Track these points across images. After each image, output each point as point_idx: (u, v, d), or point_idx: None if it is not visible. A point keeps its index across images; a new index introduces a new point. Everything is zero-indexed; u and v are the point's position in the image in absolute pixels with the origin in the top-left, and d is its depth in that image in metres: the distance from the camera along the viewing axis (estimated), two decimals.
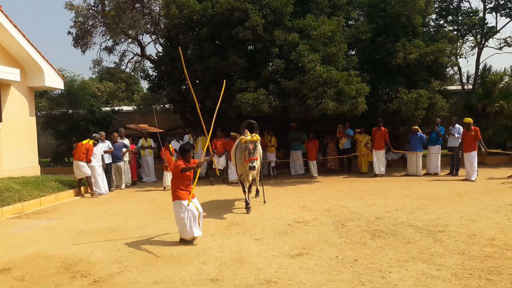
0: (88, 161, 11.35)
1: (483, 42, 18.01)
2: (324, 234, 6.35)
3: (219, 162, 13.18)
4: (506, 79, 16.04)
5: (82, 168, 11.27)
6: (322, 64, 12.05)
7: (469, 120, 12.00)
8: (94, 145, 11.64)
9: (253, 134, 8.24)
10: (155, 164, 14.60)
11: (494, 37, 18.03)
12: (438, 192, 9.72)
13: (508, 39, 17.78)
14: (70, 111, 20.88)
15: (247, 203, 8.40)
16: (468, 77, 18.89)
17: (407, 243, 5.70)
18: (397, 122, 13.95)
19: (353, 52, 15.30)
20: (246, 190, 8.63)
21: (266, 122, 14.09)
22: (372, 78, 13.90)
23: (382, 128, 13.17)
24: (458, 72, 19.05)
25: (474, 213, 7.34)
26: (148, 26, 19.20)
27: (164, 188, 12.03)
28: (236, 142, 8.93)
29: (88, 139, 11.82)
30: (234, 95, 12.66)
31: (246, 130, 8.51)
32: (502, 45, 18.12)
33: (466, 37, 18.32)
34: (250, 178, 8.72)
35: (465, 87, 18.60)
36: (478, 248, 5.31)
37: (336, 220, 7.22)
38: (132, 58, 22.23)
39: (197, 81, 15.10)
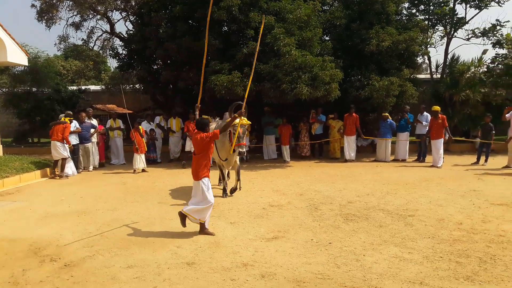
0: (66, 141, 11.01)
1: (452, 33, 18.41)
2: (299, 218, 6.41)
3: (191, 146, 13.02)
4: (473, 69, 16.51)
5: (59, 149, 10.89)
6: (297, 49, 12.01)
7: (437, 108, 12.32)
8: (70, 122, 11.30)
9: (242, 118, 7.43)
10: (124, 146, 14.27)
11: (462, 28, 18.48)
12: (406, 178, 9.98)
13: (476, 31, 18.25)
14: (34, 89, 20.02)
15: (224, 190, 8.25)
16: (437, 66, 19.36)
17: (379, 227, 5.83)
18: (368, 109, 14.17)
19: (328, 38, 15.31)
20: (226, 176, 8.45)
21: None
22: (346, 64, 14.00)
23: (354, 114, 13.34)
24: (427, 61, 19.47)
25: (442, 198, 7.59)
26: (118, 2, 18.53)
27: (134, 171, 11.79)
28: (215, 125, 8.37)
29: (64, 117, 11.40)
30: (207, 77, 12.46)
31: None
32: (470, 36, 18.59)
33: (436, 27, 18.67)
34: (232, 164, 8.34)
35: (434, 76, 19.05)
36: (447, 232, 5.49)
37: (309, 204, 7.30)
38: (101, 35, 21.50)
39: (168, 61, 14.79)
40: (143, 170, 11.99)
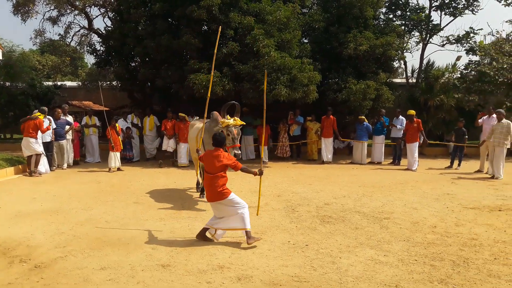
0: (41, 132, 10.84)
1: (427, 39, 18.84)
2: (276, 219, 6.41)
3: (169, 145, 12.88)
4: (447, 75, 16.92)
5: (33, 145, 10.59)
6: (276, 50, 12.05)
7: (412, 112, 12.57)
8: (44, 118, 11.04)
9: (234, 118, 7.09)
10: (99, 144, 14.00)
11: (438, 34, 18.94)
12: (382, 180, 10.12)
13: (450, 37, 18.75)
14: (8, 83, 19.41)
15: (203, 190, 7.96)
16: (412, 71, 19.74)
17: (355, 229, 5.88)
18: (345, 112, 14.33)
19: (306, 40, 15.42)
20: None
21: (218, 105, 13.88)
22: (324, 67, 14.12)
23: (331, 116, 13.46)
24: (403, 65, 19.84)
25: (416, 201, 7.72)
26: None
27: (109, 169, 11.57)
28: (202, 125, 7.68)
29: (38, 113, 11.08)
30: (186, 76, 12.35)
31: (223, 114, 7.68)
32: (444, 42, 19.09)
33: (412, 33, 19.08)
34: None
35: (410, 80, 19.42)
36: (421, 235, 5.59)
37: (287, 206, 7.31)
38: (79, 31, 21.11)
39: (147, 59, 14.60)
40: (119, 169, 11.79)
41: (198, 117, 13.41)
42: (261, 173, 5.75)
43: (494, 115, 11.55)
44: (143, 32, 13.46)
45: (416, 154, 12.27)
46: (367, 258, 4.70)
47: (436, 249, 4.97)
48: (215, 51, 7.10)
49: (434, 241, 5.28)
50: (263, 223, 6.17)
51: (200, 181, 8.33)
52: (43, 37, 20.20)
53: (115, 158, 11.69)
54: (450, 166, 12.59)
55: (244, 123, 7.34)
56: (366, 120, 13.90)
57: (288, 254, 4.86)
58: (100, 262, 4.59)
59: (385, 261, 4.58)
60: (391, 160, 13.78)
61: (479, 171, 11.60)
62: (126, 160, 13.38)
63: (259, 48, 11.83)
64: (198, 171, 8.55)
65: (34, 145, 10.62)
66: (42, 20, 19.57)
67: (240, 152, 7.04)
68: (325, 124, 13.54)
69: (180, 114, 12.79)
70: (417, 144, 12.35)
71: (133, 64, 16.14)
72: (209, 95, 7.03)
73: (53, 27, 21.42)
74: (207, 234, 5.31)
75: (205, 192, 5.34)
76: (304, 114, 14.41)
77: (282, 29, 12.77)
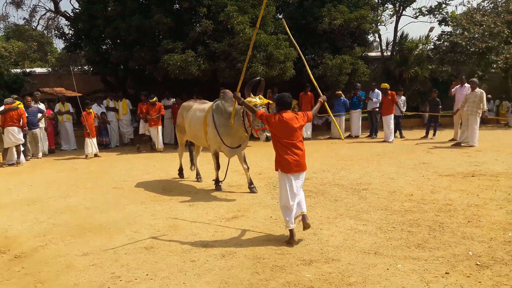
0: (23, 127, 10.61)
1: (401, 11, 18.92)
2: (258, 197, 6.46)
3: (146, 128, 12.71)
4: (420, 46, 17.09)
5: (17, 135, 10.43)
6: (251, 27, 11.90)
7: (386, 85, 12.73)
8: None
9: (259, 96, 6.06)
10: (74, 131, 13.72)
11: (410, 6, 19.03)
12: (359, 153, 10.28)
13: (423, 9, 18.88)
14: None
15: (218, 181, 7.08)
16: (387, 44, 19.88)
17: (334, 201, 5.99)
18: (322, 87, 14.33)
19: (281, 16, 15.27)
20: (244, 170, 7.05)
21: (194, 86, 13.76)
22: (299, 43, 13.97)
23: (309, 93, 13.49)
24: (378, 39, 19.94)
25: (393, 171, 7.89)
26: None
27: (86, 156, 11.38)
28: (210, 106, 6.97)
29: (17, 102, 10.79)
30: (160, 57, 12.12)
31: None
32: (417, 14, 19.22)
33: (386, 5, 19.10)
34: (231, 154, 6.92)
35: (384, 53, 19.56)
36: (398, 203, 5.73)
37: (268, 183, 7.37)
38: (45, 14, 20.36)
39: (118, 41, 14.23)
40: (96, 155, 11.61)
41: (174, 99, 13.30)
42: (324, 100, 5.47)
43: (467, 85, 11.78)
44: (112, 12, 13.07)
45: (392, 126, 12.47)
46: (346, 228, 4.81)
47: (413, 216, 5.12)
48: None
49: (411, 209, 5.43)
50: (245, 201, 6.22)
51: (184, 166, 8.16)
52: (7, 22, 19.42)
53: (91, 144, 11.49)
54: (426, 136, 12.87)
55: (271, 102, 6.30)
56: (343, 95, 13.99)
57: (271, 228, 4.93)
58: (82, 248, 4.56)
59: (364, 230, 4.69)
60: (368, 134, 13.97)
61: (453, 139, 11.89)
62: (103, 146, 13.17)
63: (233, 25, 11.67)
64: (182, 157, 8.33)
65: (19, 134, 10.46)
66: (5, 3, 18.86)
67: (269, 134, 5.60)
68: (303, 101, 13.57)
69: (149, 96, 12.54)
70: (392, 116, 12.54)
71: (104, 47, 15.72)
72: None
73: (17, 11, 20.78)
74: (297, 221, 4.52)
75: (285, 163, 4.38)
76: (283, 92, 14.37)
77: (255, 5, 12.60)
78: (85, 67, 19.74)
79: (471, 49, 15.23)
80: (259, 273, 3.74)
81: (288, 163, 4.41)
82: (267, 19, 12.58)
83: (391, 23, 19.97)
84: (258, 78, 6.39)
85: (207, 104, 7.27)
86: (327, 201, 6.00)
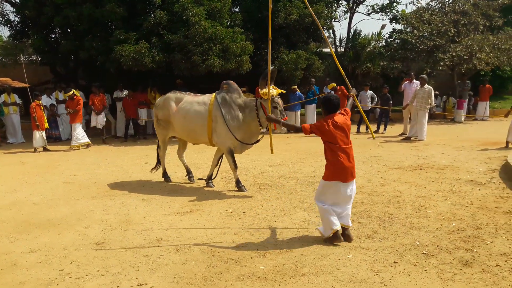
0: None
1: (354, 8, 19.39)
2: (214, 190, 6.44)
3: (98, 121, 12.31)
4: (373, 43, 17.65)
5: None
6: (207, 19, 11.78)
7: (333, 85, 13.10)
8: None
9: (273, 86, 5.84)
10: (22, 123, 13.04)
11: (363, 3, 19.55)
12: (314, 147, 10.47)
13: (375, 6, 19.48)
14: None
15: (239, 182, 6.41)
16: (340, 40, 20.32)
17: (289, 194, 6.08)
18: (278, 82, 14.47)
19: (237, 9, 15.23)
20: (212, 165, 6.79)
21: (149, 78, 13.47)
22: (256, 37, 14.07)
23: None
24: (332, 35, 20.32)
25: None
26: None
27: (35, 149, 10.86)
28: (212, 99, 6.38)
29: None
30: (112, 47, 11.74)
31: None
32: (370, 11, 19.79)
33: (340, 1, 19.50)
34: (243, 150, 6.55)
35: (338, 49, 19.98)
36: None
37: (224, 176, 7.36)
38: None
39: (68, 30, 13.65)
40: (45, 149, 11.10)
41: (126, 91, 12.90)
42: (355, 94, 5.11)
43: (416, 81, 12.28)
44: (62, 0, 12.49)
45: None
46: (300, 220, 4.91)
47: (364, 208, 5.29)
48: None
49: (362, 200, 5.61)
50: (201, 195, 6.18)
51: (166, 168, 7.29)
52: None
53: (40, 137, 10.98)
54: (377, 131, 13.31)
55: (284, 92, 5.99)
56: (298, 89, 14.18)
57: (226, 222, 4.93)
58: (29, 245, 4.38)
59: (317, 222, 4.79)
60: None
61: (402, 133, 12.37)
62: (52, 139, 12.63)
63: (188, 17, 11.49)
64: (165, 157, 7.34)
65: None
66: None
67: (286, 130, 5.83)
68: (259, 95, 13.59)
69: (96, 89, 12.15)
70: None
71: (53, 36, 15.03)
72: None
73: None
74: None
75: (344, 172, 4.12)
76: (239, 85, 14.33)
77: None
78: (33, 57, 18.72)
79: (420, 47, 15.87)
80: (214, 266, 3.74)
81: (347, 171, 4.13)
82: (223, 11, 12.49)
83: (345, 19, 20.43)
84: (272, 67, 6.04)
85: (204, 97, 6.60)
86: (282, 194, 6.08)
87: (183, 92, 7.05)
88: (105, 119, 12.54)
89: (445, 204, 5.35)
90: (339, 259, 3.80)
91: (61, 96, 13.21)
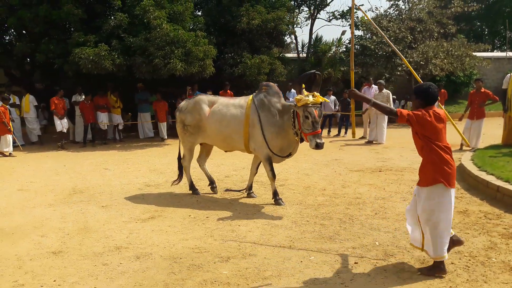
0: None
1: (315, 14, 19.76)
2: (177, 196, 6.36)
3: (63, 125, 11.91)
4: (334, 49, 18.04)
5: None
6: (168, 22, 11.66)
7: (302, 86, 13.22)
8: None
9: (313, 93, 5.21)
10: None
11: (324, 9, 19.98)
12: None
13: (335, 13, 19.92)
14: None
15: (276, 194, 5.79)
16: (302, 46, 20.63)
17: (253, 198, 6.09)
18: (242, 86, 14.54)
19: (200, 13, 15.19)
20: (251, 174, 6.28)
21: (109, 81, 13.16)
22: (219, 41, 14.08)
23: (228, 91, 13.55)
24: (294, 40, 20.62)
25: (308, 168, 8.23)
26: None
27: (10, 154, 10.61)
28: (249, 101, 5.82)
29: None
30: (71, 50, 11.40)
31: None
32: (331, 17, 20.22)
33: (301, 7, 19.82)
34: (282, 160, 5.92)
35: (300, 55, 20.28)
36: (312, 198, 6.00)
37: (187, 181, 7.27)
38: None
39: (24, 32, 13.15)
40: (10, 154, 10.72)
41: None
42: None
43: (374, 86, 12.64)
44: (16, 1, 12.02)
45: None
46: (264, 223, 4.93)
47: (326, 210, 5.39)
48: None
49: (324, 203, 5.71)
50: (163, 201, 6.09)
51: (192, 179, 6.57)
52: None
53: (10, 141, 10.78)
54: (338, 134, 13.59)
55: (327, 100, 5.31)
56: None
57: (189, 227, 4.88)
58: None
59: (280, 224, 4.84)
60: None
61: (363, 137, 12.68)
62: None
63: (150, 20, 11.34)
64: (189, 167, 6.65)
65: None
66: None
67: (323, 142, 5.09)
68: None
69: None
70: None
71: (7, 38, 14.43)
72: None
73: None
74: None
75: (450, 174, 3.51)
76: (202, 90, 14.28)
77: (173, 0, 12.37)
78: None
79: (379, 53, 16.38)
80: (176, 273, 3.68)
81: (453, 173, 3.53)
82: (185, 15, 12.41)
83: (306, 25, 20.89)
84: (312, 71, 5.63)
85: (240, 99, 6.07)
86: (246, 198, 6.10)
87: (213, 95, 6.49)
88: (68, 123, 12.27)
89: (404, 205, 5.50)
90: (301, 261, 3.84)
91: (17, 100, 12.70)
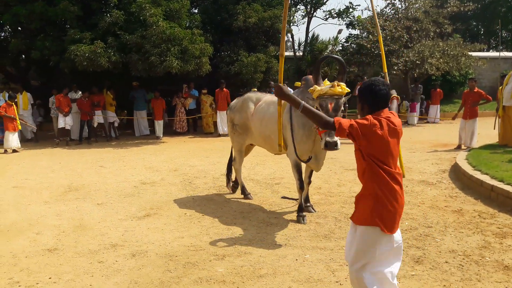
0: None
1: (312, 12, 19.79)
2: (172, 194, 6.35)
3: (67, 122, 11.90)
4: (330, 47, 18.06)
5: None
6: (165, 20, 11.64)
7: (298, 84, 13.24)
8: None
9: (335, 83, 4.28)
10: None
11: (321, 8, 20.04)
12: None
13: (332, 11, 19.95)
14: None
15: (301, 208, 5.02)
16: (299, 44, 20.70)
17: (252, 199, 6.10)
18: (238, 84, 14.55)
19: (196, 11, 15.16)
20: (304, 184, 5.15)
21: (105, 79, 13.13)
22: (215, 39, 14.07)
23: (224, 89, 13.55)
24: (291, 39, 20.62)
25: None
26: None
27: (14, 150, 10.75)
28: (272, 99, 5.33)
29: None
30: (66, 47, 11.35)
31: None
32: (327, 16, 20.26)
33: (298, 6, 19.86)
34: (320, 164, 5.08)
35: (297, 53, 20.31)
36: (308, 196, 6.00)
37: (183, 179, 7.28)
38: None
39: (19, 28, 13.09)
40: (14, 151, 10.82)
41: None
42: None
43: None
44: None
45: None
46: (259, 221, 4.94)
47: (321, 208, 5.41)
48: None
49: (319, 201, 5.73)
50: (159, 199, 6.08)
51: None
52: None
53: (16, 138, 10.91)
54: None
55: (350, 91, 4.42)
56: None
57: (185, 226, 4.89)
58: None
59: (276, 223, 4.86)
60: None
61: None
62: None
63: (146, 17, 11.32)
64: (241, 170, 6.21)
65: None
66: None
67: (335, 140, 4.15)
68: (219, 97, 13.58)
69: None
70: None
71: (2, 34, 14.35)
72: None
73: None
74: None
75: (391, 214, 2.56)
76: (198, 88, 14.29)
77: None
78: None
79: (375, 52, 16.41)
80: (171, 271, 3.69)
81: (398, 212, 2.57)
82: (181, 13, 12.40)
83: (303, 23, 20.97)
84: (328, 55, 4.46)
85: None
86: (241, 196, 6.09)
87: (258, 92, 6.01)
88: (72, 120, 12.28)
89: None
90: (296, 260, 3.86)
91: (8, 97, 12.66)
